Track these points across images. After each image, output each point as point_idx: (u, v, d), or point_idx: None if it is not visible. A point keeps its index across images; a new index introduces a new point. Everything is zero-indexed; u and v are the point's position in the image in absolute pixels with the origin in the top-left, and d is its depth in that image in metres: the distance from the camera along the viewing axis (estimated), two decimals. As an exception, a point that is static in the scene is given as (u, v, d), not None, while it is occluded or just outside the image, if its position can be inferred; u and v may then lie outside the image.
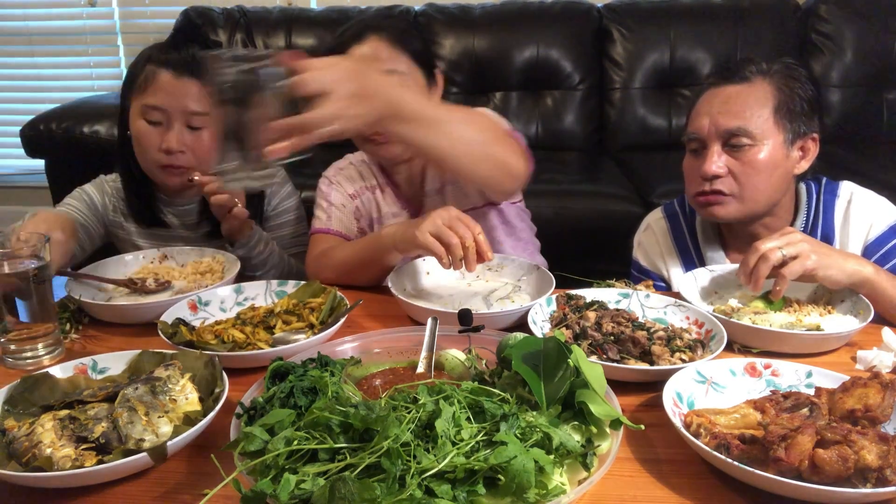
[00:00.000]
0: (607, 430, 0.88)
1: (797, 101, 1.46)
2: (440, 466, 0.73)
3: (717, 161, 1.46)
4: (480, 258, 1.29)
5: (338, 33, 1.60)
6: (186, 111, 1.59)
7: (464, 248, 1.27)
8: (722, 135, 1.46)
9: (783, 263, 1.25)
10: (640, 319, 1.27)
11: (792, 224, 1.55)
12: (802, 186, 1.57)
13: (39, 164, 3.01)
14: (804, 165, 1.51)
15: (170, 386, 0.98)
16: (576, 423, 0.88)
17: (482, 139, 1.32)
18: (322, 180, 1.77)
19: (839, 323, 1.28)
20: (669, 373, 1.03)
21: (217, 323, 1.29)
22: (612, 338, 1.17)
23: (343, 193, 1.74)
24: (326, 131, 1.05)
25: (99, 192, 1.75)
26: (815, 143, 1.50)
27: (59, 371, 1.07)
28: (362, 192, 1.75)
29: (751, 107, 1.45)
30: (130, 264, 1.56)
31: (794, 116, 1.46)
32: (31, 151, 2.95)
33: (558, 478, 0.78)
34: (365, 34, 1.53)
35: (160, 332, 1.18)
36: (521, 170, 1.40)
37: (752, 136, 1.44)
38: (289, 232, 1.86)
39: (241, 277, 1.50)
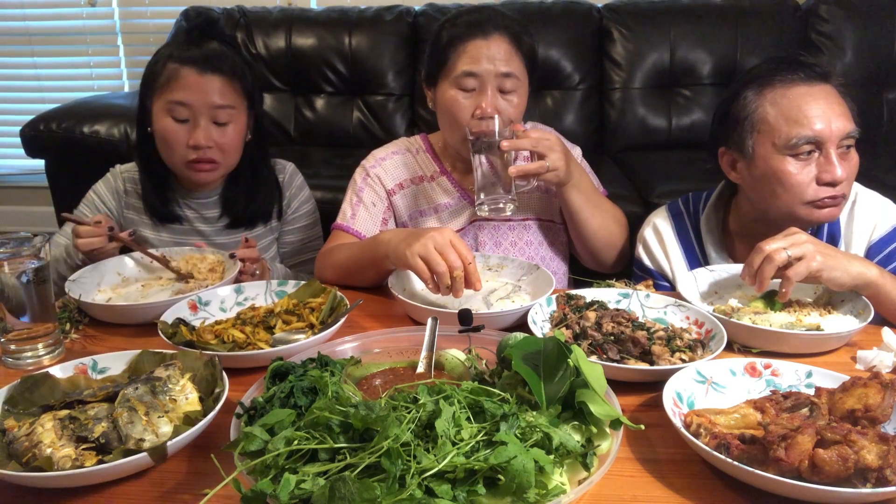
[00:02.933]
0: (607, 430, 0.88)
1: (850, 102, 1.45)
2: (440, 466, 0.73)
3: (841, 164, 1.39)
4: (469, 286, 1.28)
5: (460, 19, 1.58)
6: (212, 106, 1.59)
7: (452, 276, 1.26)
8: (843, 137, 1.40)
9: (788, 265, 1.24)
10: (640, 319, 1.27)
11: None
12: None
13: (39, 164, 3.00)
14: None
15: (170, 386, 0.98)
16: (576, 423, 0.88)
17: (619, 233, 1.69)
18: (358, 170, 1.75)
19: (839, 323, 1.28)
20: (669, 373, 1.03)
21: (217, 323, 1.29)
22: (612, 338, 1.17)
23: (378, 191, 1.71)
24: (543, 167, 1.46)
25: (110, 192, 1.75)
26: None
27: (59, 371, 1.07)
28: (408, 185, 1.73)
29: (847, 107, 1.42)
30: (130, 264, 1.56)
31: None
32: (31, 151, 2.94)
33: (558, 478, 0.78)
34: (489, 32, 1.55)
35: (160, 332, 1.18)
36: (621, 252, 1.72)
37: (856, 136, 1.42)
38: (301, 237, 1.87)
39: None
